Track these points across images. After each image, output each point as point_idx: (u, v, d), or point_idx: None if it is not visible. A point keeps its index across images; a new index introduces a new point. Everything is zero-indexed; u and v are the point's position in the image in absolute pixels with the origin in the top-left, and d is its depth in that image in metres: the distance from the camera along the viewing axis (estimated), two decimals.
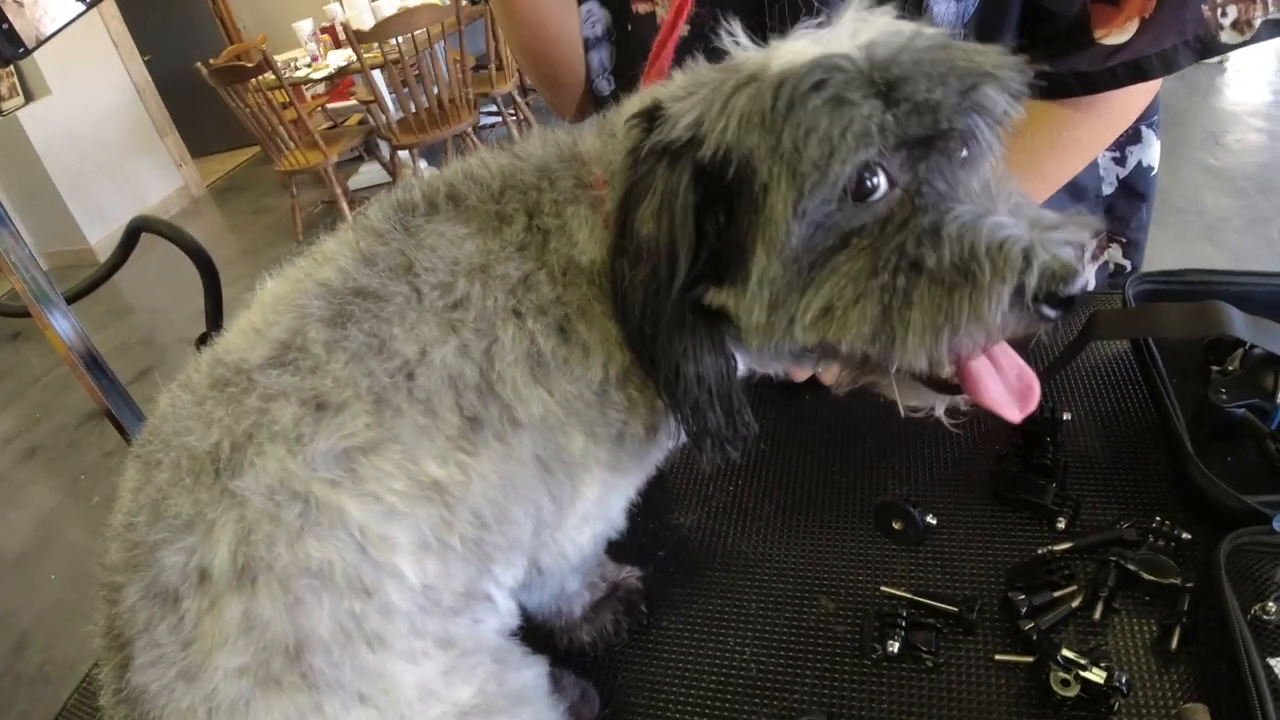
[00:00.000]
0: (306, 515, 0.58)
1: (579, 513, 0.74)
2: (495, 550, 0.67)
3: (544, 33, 1.21)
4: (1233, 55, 5.89)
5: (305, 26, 6.14)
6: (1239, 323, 0.90)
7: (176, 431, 0.62)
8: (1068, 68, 0.99)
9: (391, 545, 0.60)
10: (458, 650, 0.65)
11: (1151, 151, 1.25)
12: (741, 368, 0.75)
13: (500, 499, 0.66)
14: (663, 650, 0.88)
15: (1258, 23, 0.91)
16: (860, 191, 0.58)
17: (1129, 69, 0.96)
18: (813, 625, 0.86)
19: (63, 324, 1.32)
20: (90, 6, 1.12)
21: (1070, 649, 0.73)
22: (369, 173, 6.60)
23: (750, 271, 0.61)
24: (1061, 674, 0.71)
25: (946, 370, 0.64)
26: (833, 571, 0.90)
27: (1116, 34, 0.96)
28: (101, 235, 6.93)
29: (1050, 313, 0.56)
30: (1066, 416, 0.95)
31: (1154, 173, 1.26)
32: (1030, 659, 0.75)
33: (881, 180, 0.58)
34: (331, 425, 0.60)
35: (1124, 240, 1.32)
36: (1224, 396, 0.91)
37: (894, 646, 0.79)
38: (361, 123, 6.52)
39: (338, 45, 6.12)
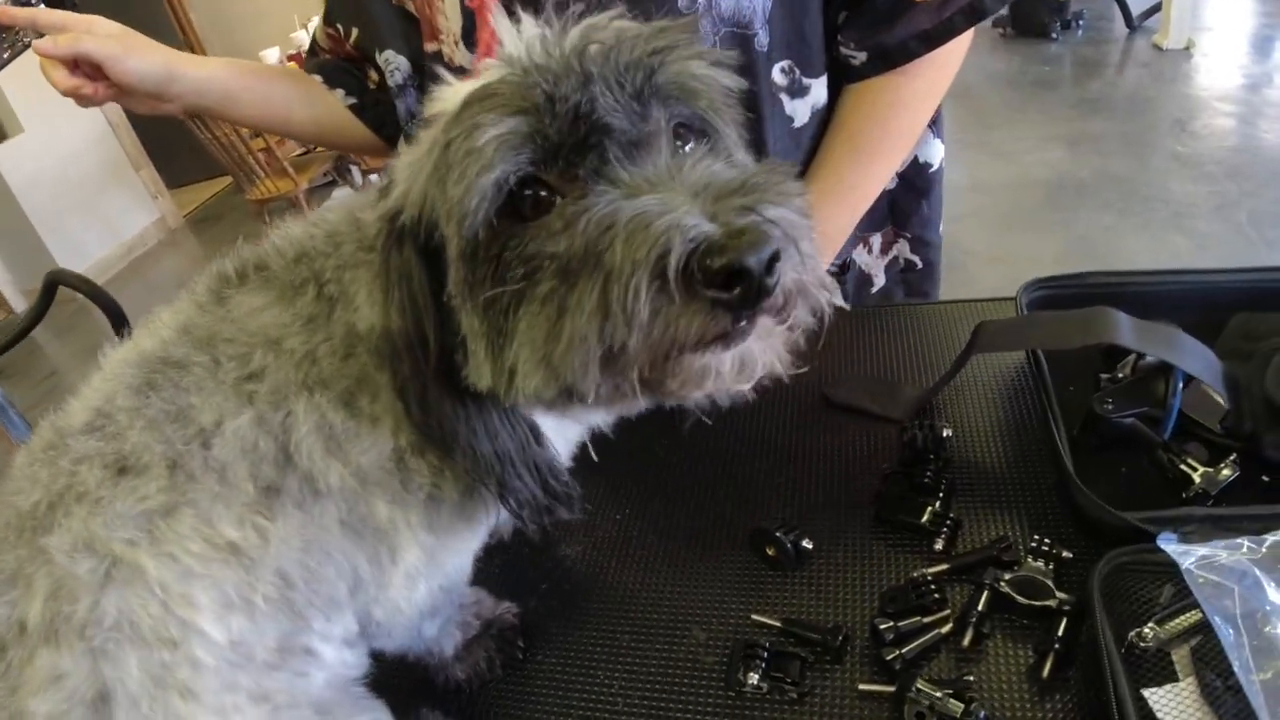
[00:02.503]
0: (106, 572, 0.60)
1: (403, 572, 0.72)
2: (308, 609, 0.67)
3: (326, 139, 1.37)
4: (1201, 41, 5.92)
5: (272, 55, 6.14)
6: (1125, 329, 0.86)
7: (12, 490, 0.65)
8: (906, 34, 1.01)
9: (192, 603, 0.61)
10: (272, 704, 0.65)
11: (930, 149, 1.26)
12: (574, 430, 0.77)
13: (307, 561, 0.65)
14: (535, 685, 0.86)
15: None
16: (530, 212, 0.55)
17: (965, 14, 0.99)
18: (683, 657, 0.82)
19: None
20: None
21: (932, 679, 0.70)
22: (340, 197, 6.56)
23: (464, 334, 0.59)
24: (918, 707, 0.68)
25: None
26: (707, 600, 0.87)
27: None
28: (79, 270, 6.90)
29: (718, 295, 0.47)
30: (947, 433, 0.92)
31: (933, 170, 1.27)
32: (893, 689, 0.72)
33: (548, 193, 0.55)
34: (129, 488, 0.62)
35: (909, 236, 1.32)
36: (1109, 407, 0.87)
37: (754, 678, 0.76)
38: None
39: None
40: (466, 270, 0.56)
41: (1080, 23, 6.83)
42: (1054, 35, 6.70)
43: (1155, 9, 6.32)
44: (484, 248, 0.55)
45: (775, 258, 0.47)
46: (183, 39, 8.30)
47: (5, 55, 1.19)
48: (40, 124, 6.67)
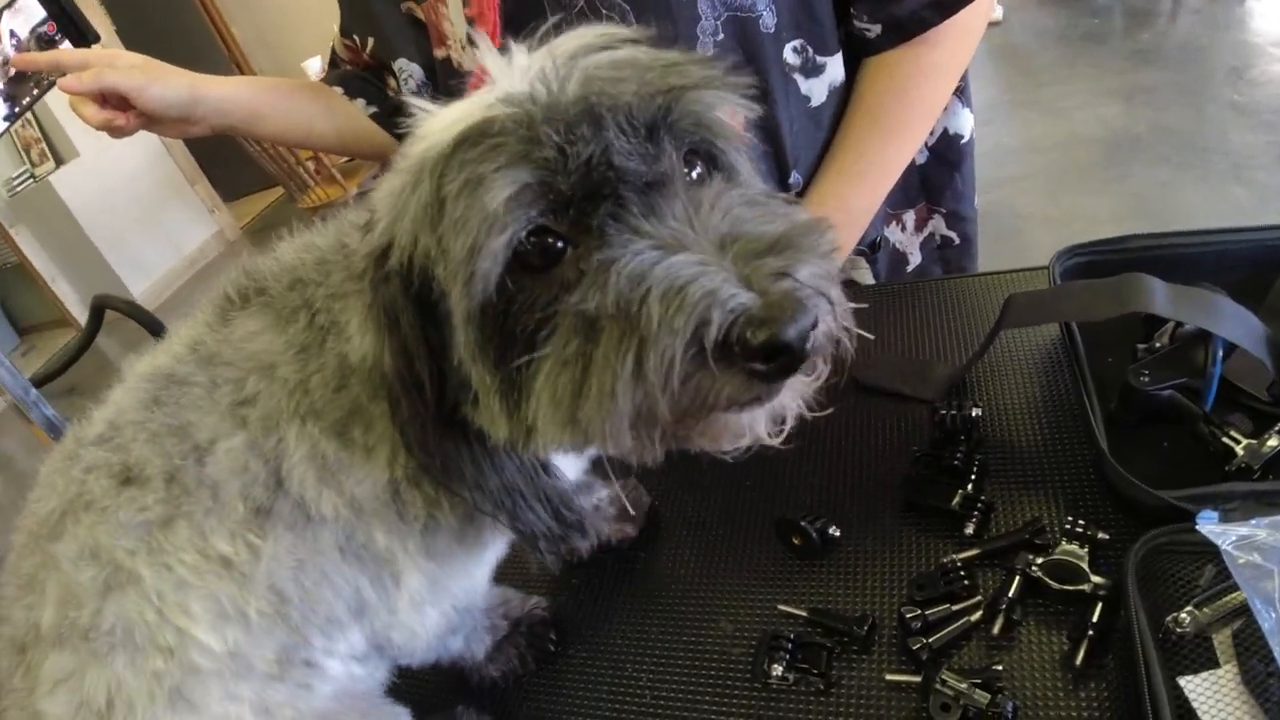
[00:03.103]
0: (106, 580, 0.63)
1: (408, 598, 0.73)
2: (306, 625, 0.68)
3: (351, 149, 1.38)
4: None
5: (313, 65, 6.25)
6: (1159, 296, 0.82)
7: (36, 497, 0.70)
8: (917, 3, 0.99)
9: (187, 611, 0.63)
10: (274, 716, 0.68)
11: (959, 120, 1.22)
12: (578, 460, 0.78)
13: (302, 580, 0.67)
14: (565, 681, 0.87)
15: None
16: (539, 262, 0.52)
17: None
18: (711, 649, 0.82)
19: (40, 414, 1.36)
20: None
21: (959, 669, 0.68)
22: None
23: (474, 386, 0.57)
24: (943, 698, 0.66)
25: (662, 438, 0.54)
26: (735, 591, 0.87)
27: None
28: (144, 286, 7.15)
29: (757, 366, 0.47)
30: (976, 412, 0.89)
31: (964, 141, 1.24)
32: (919, 679, 0.70)
33: (560, 243, 0.52)
34: (130, 499, 0.64)
35: (944, 211, 1.28)
36: (1146, 379, 0.84)
37: (779, 669, 0.75)
38: None
39: None
40: (476, 332, 0.54)
41: None
42: None
43: None
44: (492, 305, 0.53)
45: (814, 326, 0.47)
46: (227, 54, 8.48)
47: (35, 93, 1.23)
48: (95, 147, 6.89)
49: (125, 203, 7.20)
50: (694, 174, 0.57)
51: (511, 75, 0.55)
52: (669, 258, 0.48)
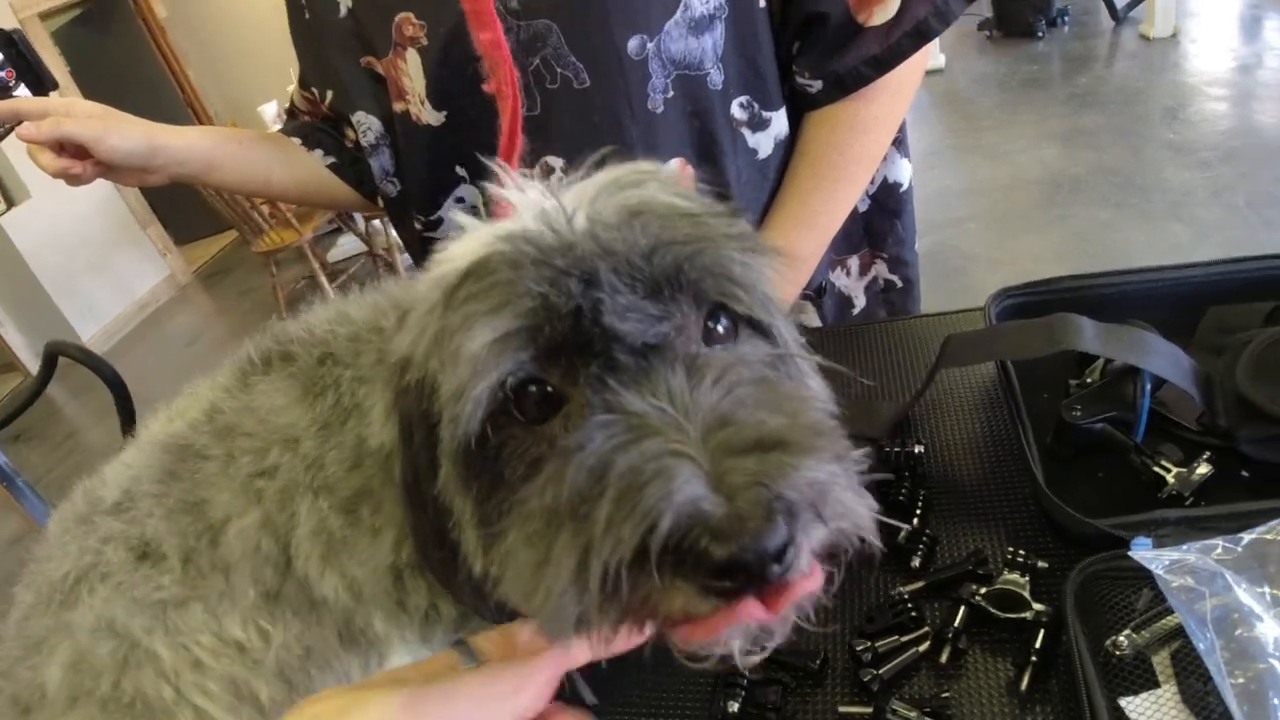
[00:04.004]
0: (125, 656, 0.64)
1: None
2: None
3: (309, 199, 1.38)
4: (1188, 27, 5.92)
5: (270, 109, 6.25)
6: (1088, 334, 0.87)
7: (44, 556, 0.71)
8: (856, 60, 1.03)
9: (205, 692, 0.65)
10: None
11: (898, 169, 1.27)
12: None
13: (308, 667, 0.68)
14: None
15: None
16: (532, 412, 0.50)
17: (912, 36, 1.01)
18: (667, 687, 0.83)
19: None
20: None
21: (909, 699, 0.70)
22: (346, 244, 6.66)
23: (458, 517, 0.55)
24: None
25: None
26: None
27: (880, 11, 1.01)
28: (94, 330, 7.01)
29: (709, 583, 0.41)
30: (919, 449, 0.92)
31: (904, 189, 1.28)
32: (871, 710, 0.72)
33: (551, 389, 0.50)
34: (146, 576, 0.66)
35: (886, 256, 1.33)
36: (1078, 413, 0.88)
37: (734, 706, 0.76)
38: None
39: None
40: (459, 469, 0.52)
41: (1065, 19, 6.84)
42: (1040, 34, 6.70)
43: (1139, 0, 6.33)
44: (478, 445, 0.50)
45: (785, 545, 0.41)
46: (182, 98, 8.44)
47: None
48: (47, 189, 6.77)
49: (76, 245, 7.09)
50: (719, 329, 0.53)
51: (525, 210, 0.53)
52: (639, 444, 0.43)
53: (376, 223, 5.92)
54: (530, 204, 0.53)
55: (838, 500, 0.45)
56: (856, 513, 0.47)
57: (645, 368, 0.48)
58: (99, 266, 7.29)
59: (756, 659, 0.49)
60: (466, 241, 0.53)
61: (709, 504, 0.40)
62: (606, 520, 0.42)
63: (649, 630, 0.47)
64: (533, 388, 0.49)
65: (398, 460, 0.58)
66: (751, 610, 0.43)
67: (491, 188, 0.56)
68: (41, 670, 0.65)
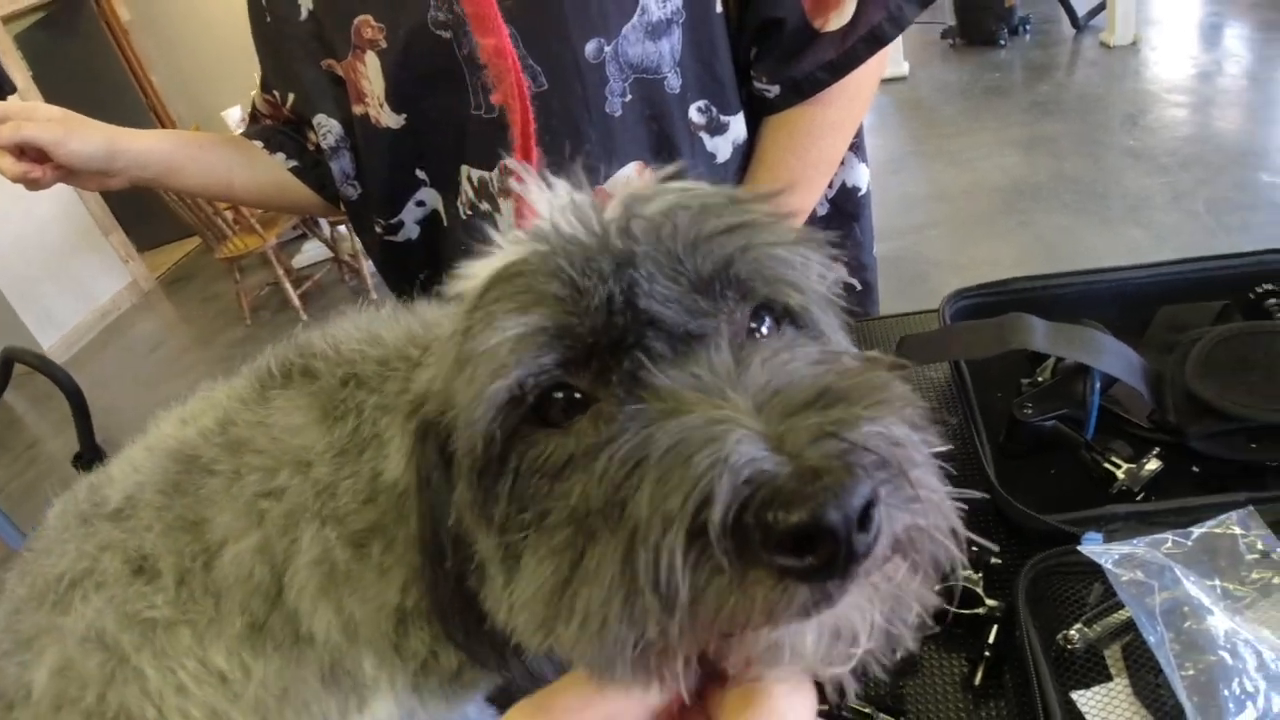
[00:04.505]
0: (113, 671, 0.64)
1: None
2: None
3: (271, 203, 1.36)
4: (1149, 35, 6.04)
5: (233, 114, 6.19)
6: (1039, 334, 0.88)
7: (44, 549, 0.70)
8: (813, 65, 1.04)
9: (186, 716, 0.64)
10: None
11: (856, 174, 1.29)
12: None
13: (282, 708, 0.66)
14: None
15: None
16: (559, 418, 0.44)
17: (867, 41, 1.02)
18: None
19: None
20: None
21: (865, 695, 0.71)
22: (311, 250, 6.59)
23: (480, 559, 0.49)
24: None
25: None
26: None
27: (836, 16, 1.02)
28: (55, 339, 6.89)
29: (787, 562, 0.33)
30: None
31: (861, 194, 1.30)
32: (825, 708, 0.73)
33: (580, 396, 0.44)
34: (140, 593, 0.64)
35: (845, 259, 1.35)
36: (1029, 411, 0.89)
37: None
38: None
39: None
40: (477, 488, 0.46)
41: (1027, 27, 6.95)
42: (1002, 42, 6.80)
43: (1100, 8, 6.44)
44: (498, 462, 0.45)
45: (871, 504, 0.33)
46: (145, 102, 8.34)
47: None
48: (6, 195, 6.65)
49: (36, 251, 6.96)
50: (762, 329, 0.48)
51: (553, 209, 0.48)
52: (679, 418, 0.37)
53: (342, 228, 5.88)
54: (558, 202, 0.49)
55: (927, 469, 0.38)
56: (943, 497, 0.39)
57: (685, 353, 0.42)
58: (60, 273, 7.16)
59: (844, 668, 0.39)
60: (489, 260, 0.49)
61: (772, 464, 0.34)
62: (649, 503, 0.35)
63: (735, 654, 0.38)
64: (559, 394, 0.44)
65: (413, 506, 0.53)
66: (853, 595, 0.36)
67: (515, 187, 0.52)
68: (29, 669, 0.65)
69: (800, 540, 0.33)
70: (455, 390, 0.47)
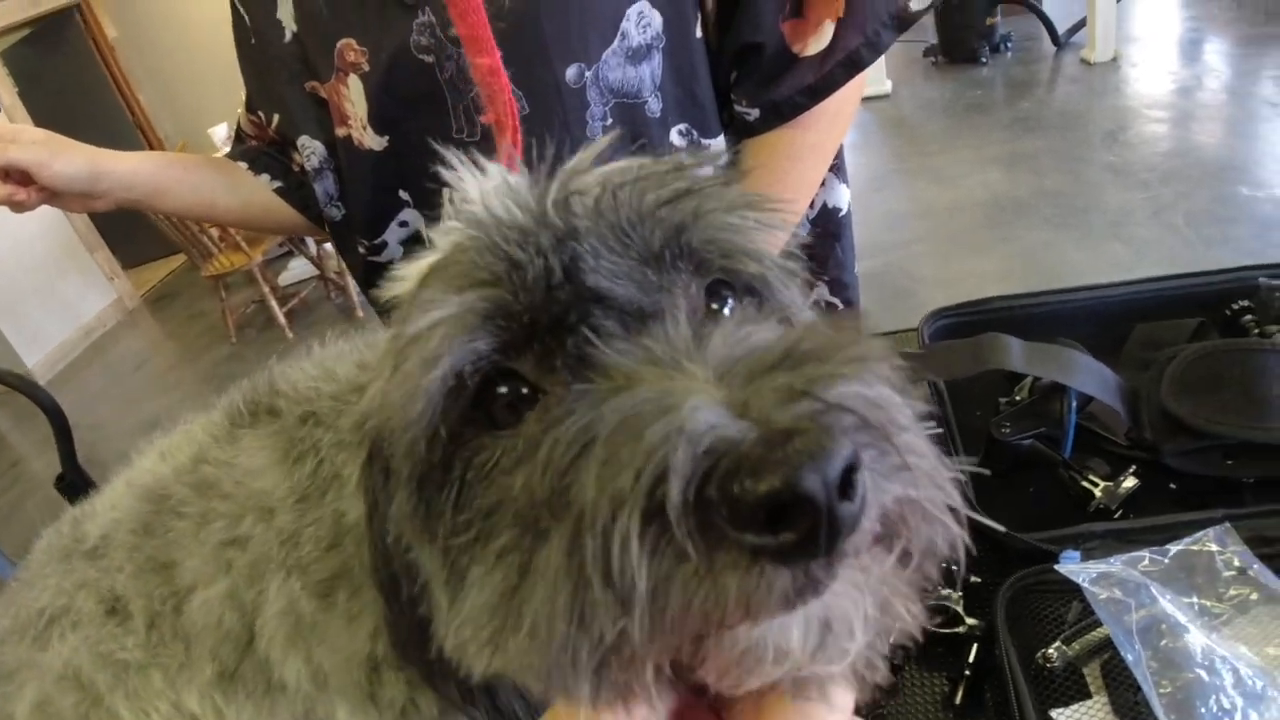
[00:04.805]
0: (89, 710, 0.65)
1: None
2: None
3: (256, 223, 1.37)
4: (1129, 52, 6.12)
5: (220, 131, 6.20)
6: (1015, 354, 0.89)
7: (28, 582, 0.71)
8: (792, 89, 1.04)
9: None
10: None
11: (837, 194, 1.30)
12: None
13: None
14: None
15: None
16: (502, 414, 0.40)
17: (845, 66, 1.02)
18: None
19: None
20: None
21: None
22: (297, 268, 6.58)
23: (426, 578, 0.45)
24: None
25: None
26: None
27: (814, 41, 1.02)
28: (39, 357, 6.84)
29: (759, 540, 0.29)
30: None
31: (842, 214, 1.31)
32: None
33: (526, 389, 0.41)
34: (113, 634, 0.66)
35: (826, 279, 1.36)
36: (1006, 430, 0.90)
37: None
38: None
39: None
40: (417, 499, 0.42)
41: (1008, 45, 7.02)
42: (983, 59, 6.87)
43: (1081, 25, 6.52)
44: (440, 468, 0.41)
45: (853, 467, 0.29)
46: (131, 119, 8.32)
47: None
48: None
49: (20, 269, 6.92)
50: (725, 310, 0.45)
51: (487, 193, 0.46)
52: (630, 392, 0.33)
53: (328, 246, 5.87)
54: (492, 185, 0.46)
55: (914, 433, 0.34)
56: (936, 465, 0.35)
57: (639, 330, 0.39)
58: (45, 291, 7.12)
59: (837, 666, 0.34)
60: (420, 262, 0.46)
61: (735, 430, 0.30)
62: (596, 484, 0.31)
63: (711, 660, 0.34)
64: (502, 388, 0.41)
65: (365, 533, 0.50)
66: (842, 582, 0.32)
67: (447, 175, 0.48)
68: (11, 701, 0.67)
69: (774, 513, 0.28)
70: (390, 393, 0.43)
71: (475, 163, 0.48)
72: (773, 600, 0.31)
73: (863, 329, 0.39)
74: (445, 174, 0.49)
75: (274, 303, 5.68)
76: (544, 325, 0.40)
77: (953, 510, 0.36)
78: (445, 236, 0.45)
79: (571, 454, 0.33)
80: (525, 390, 0.40)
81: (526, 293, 0.40)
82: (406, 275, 0.46)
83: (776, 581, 0.30)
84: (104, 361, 6.91)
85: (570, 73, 1.01)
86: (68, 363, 7.01)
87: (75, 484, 1.52)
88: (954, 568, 0.59)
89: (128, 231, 7.73)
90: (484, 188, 0.46)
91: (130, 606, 0.66)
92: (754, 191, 0.48)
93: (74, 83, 7.81)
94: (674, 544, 0.30)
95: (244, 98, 1.34)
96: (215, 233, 5.49)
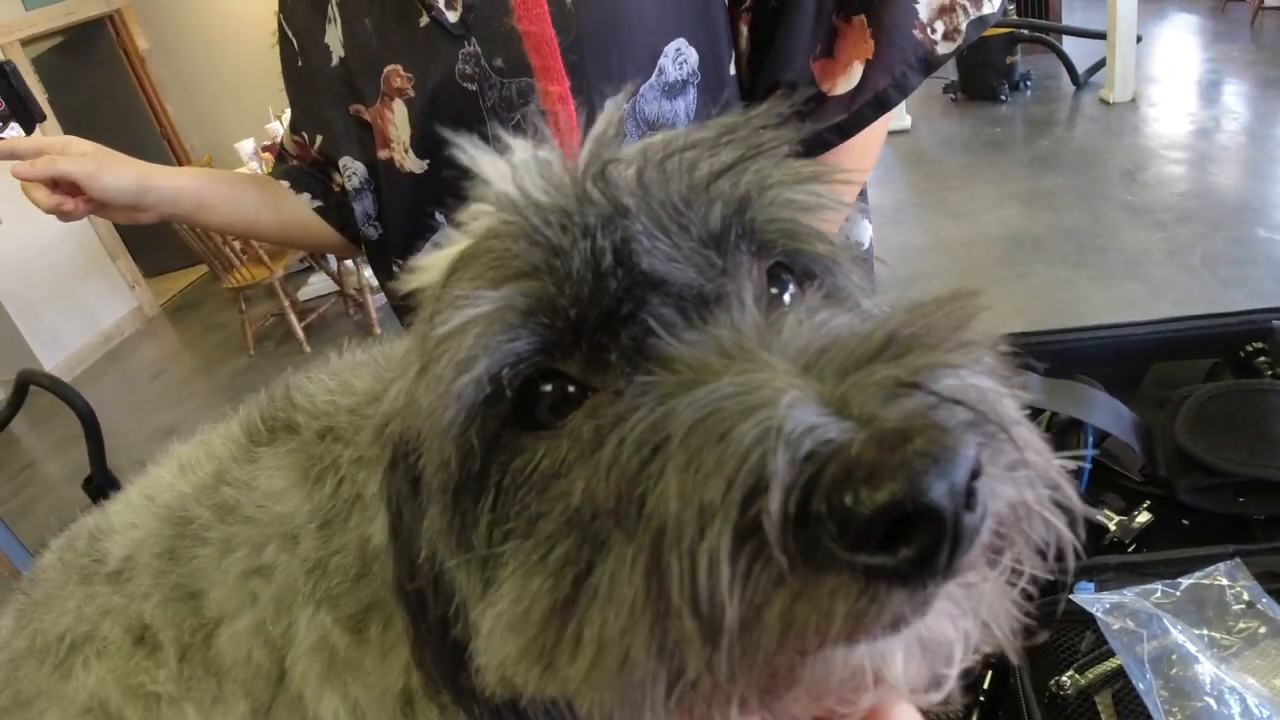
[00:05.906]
0: None
1: None
2: None
3: (294, 241, 1.39)
4: (1148, 92, 6.15)
5: (247, 146, 6.28)
6: (1034, 389, 0.91)
7: (43, 601, 0.68)
8: (821, 126, 1.07)
9: None
10: None
11: (859, 229, 1.32)
12: None
13: None
14: None
15: (964, 26, 1.00)
16: (546, 417, 0.37)
17: (873, 105, 1.05)
18: None
19: None
20: None
21: None
22: (317, 283, 6.64)
23: (460, 597, 0.42)
24: None
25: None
26: None
27: (844, 82, 1.05)
28: (58, 360, 6.90)
29: (875, 560, 0.26)
30: None
31: (864, 249, 1.33)
32: None
33: (573, 388, 0.37)
34: (142, 666, 0.64)
35: None
36: None
37: None
38: None
39: None
40: (451, 512, 0.39)
41: (1028, 83, 7.07)
42: (1003, 97, 6.91)
43: (1100, 65, 6.56)
44: (476, 477, 0.38)
45: (976, 474, 0.26)
46: (159, 132, 8.44)
47: None
48: (16, 216, 6.69)
49: (42, 273, 7.00)
50: (785, 294, 0.41)
51: (517, 173, 0.42)
52: (705, 387, 0.30)
53: (349, 262, 5.93)
54: (522, 164, 0.42)
55: (1022, 425, 0.31)
56: (1049, 461, 0.32)
57: (703, 318, 0.35)
58: (66, 296, 7.20)
59: (938, 696, 0.32)
60: (446, 251, 0.43)
61: (838, 431, 0.26)
62: (679, 495, 0.28)
63: (800, 686, 0.30)
64: (546, 386, 0.37)
65: (388, 545, 0.47)
66: (944, 601, 0.28)
67: (466, 160, 0.45)
68: None
69: (893, 528, 0.25)
70: (418, 396, 0.39)
71: (498, 138, 0.44)
72: (881, 623, 0.28)
73: (966, 304, 0.34)
74: (460, 155, 0.45)
75: (293, 317, 5.73)
76: (592, 319, 0.36)
77: (1065, 509, 0.32)
78: (474, 221, 0.42)
79: (642, 457, 0.30)
80: (572, 388, 0.37)
81: (572, 284, 0.36)
82: (430, 266, 0.43)
83: (889, 603, 0.27)
84: (121, 369, 6.97)
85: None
86: (84, 368, 7.08)
87: (104, 487, 1.55)
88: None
89: (150, 240, 7.81)
90: (508, 167, 0.42)
91: (160, 636, 0.63)
92: (818, 162, 0.44)
93: (104, 92, 7.93)
94: (771, 565, 0.26)
95: (287, 119, 1.38)
96: (238, 245, 5.55)
